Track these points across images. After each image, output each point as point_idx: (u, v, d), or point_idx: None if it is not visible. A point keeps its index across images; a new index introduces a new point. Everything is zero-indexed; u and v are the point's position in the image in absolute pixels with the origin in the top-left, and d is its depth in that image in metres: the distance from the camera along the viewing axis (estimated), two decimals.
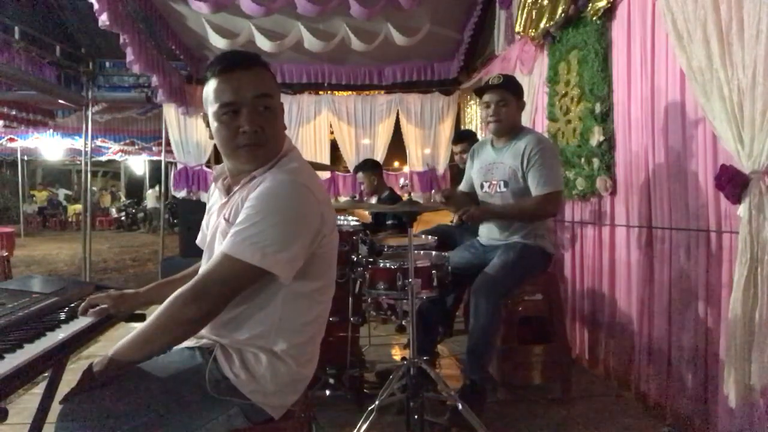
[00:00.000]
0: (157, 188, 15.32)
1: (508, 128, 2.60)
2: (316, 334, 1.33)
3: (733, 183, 1.77)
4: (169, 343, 1.17)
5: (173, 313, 1.11)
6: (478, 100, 5.52)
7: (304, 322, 1.26)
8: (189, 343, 1.27)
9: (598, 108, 2.89)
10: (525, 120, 3.44)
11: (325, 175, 6.27)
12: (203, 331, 1.26)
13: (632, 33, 2.65)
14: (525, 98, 2.73)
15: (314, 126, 6.20)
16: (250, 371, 1.20)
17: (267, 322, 1.22)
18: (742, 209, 1.76)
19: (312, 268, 1.23)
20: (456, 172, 6.48)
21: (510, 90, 2.58)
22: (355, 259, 2.53)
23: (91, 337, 1.48)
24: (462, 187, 2.94)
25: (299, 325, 1.25)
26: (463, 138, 4.01)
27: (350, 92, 6.29)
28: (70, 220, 17.80)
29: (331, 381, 2.55)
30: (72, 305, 1.53)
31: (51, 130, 10.15)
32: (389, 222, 4.01)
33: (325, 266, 1.28)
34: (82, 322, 1.39)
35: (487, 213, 2.63)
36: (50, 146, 12.57)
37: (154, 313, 1.13)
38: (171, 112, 5.99)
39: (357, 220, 2.82)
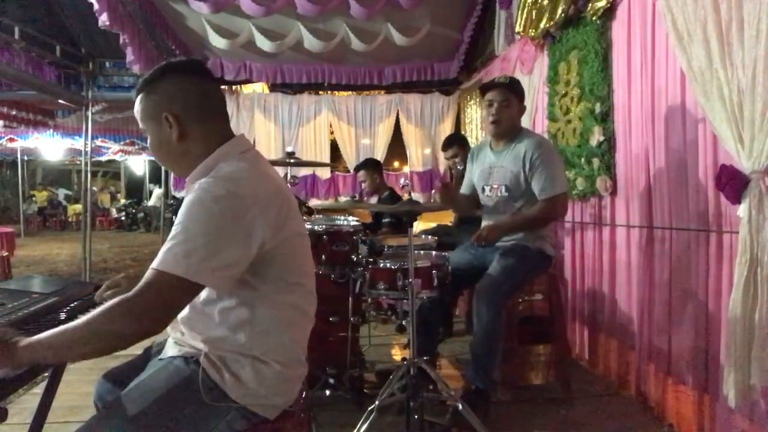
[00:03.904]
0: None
1: (508, 130, 2.60)
2: (297, 335, 1.31)
3: (733, 183, 1.77)
4: (96, 353, 1.08)
5: (111, 325, 1.05)
6: (478, 100, 5.55)
7: (278, 324, 1.24)
8: (172, 352, 1.28)
9: (598, 108, 2.89)
10: (525, 120, 3.43)
11: (325, 174, 6.29)
12: (186, 339, 1.27)
13: (632, 33, 2.65)
14: (525, 99, 2.72)
15: (314, 126, 6.20)
16: (235, 376, 1.20)
17: (237, 329, 1.22)
18: (742, 209, 1.76)
19: (269, 272, 1.21)
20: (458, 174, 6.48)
21: (514, 92, 2.58)
22: (355, 259, 2.53)
23: None
24: (463, 189, 2.91)
25: (273, 328, 1.23)
26: (451, 143, 3.96)
27: (350, 92, 6.29)
28: (70, 220, 17.77)
29: (331, 381, 2.54)
30: (72, 305, 1.53)
31: (51, 130, 10.15)
32: (386, 221, 4.01)
33: (284, 268, 1.23)
34: None
35: (498, 230, 2.51)
36: (50, 146, 12.56)
37: (88, 316, 1.07)
38: None
39: (357, 220, 2.82)
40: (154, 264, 1.10)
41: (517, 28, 3.81)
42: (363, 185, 4.40)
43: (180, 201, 6.80)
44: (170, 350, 1.30)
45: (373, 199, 4.40)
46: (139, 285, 1.09)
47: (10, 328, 1.17)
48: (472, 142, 5.06)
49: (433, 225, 4.00)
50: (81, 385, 2.74)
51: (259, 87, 6.47)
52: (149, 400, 1.17)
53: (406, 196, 2.42)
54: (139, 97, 1.30)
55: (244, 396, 1.20)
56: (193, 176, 1.26)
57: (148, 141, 1.32)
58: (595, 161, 2.93)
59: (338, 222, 2.77)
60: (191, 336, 1.26)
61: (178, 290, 1.09)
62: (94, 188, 17.52)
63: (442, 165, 6.23)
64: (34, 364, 1.12)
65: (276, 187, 1.25)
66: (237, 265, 1.14)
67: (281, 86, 6.09)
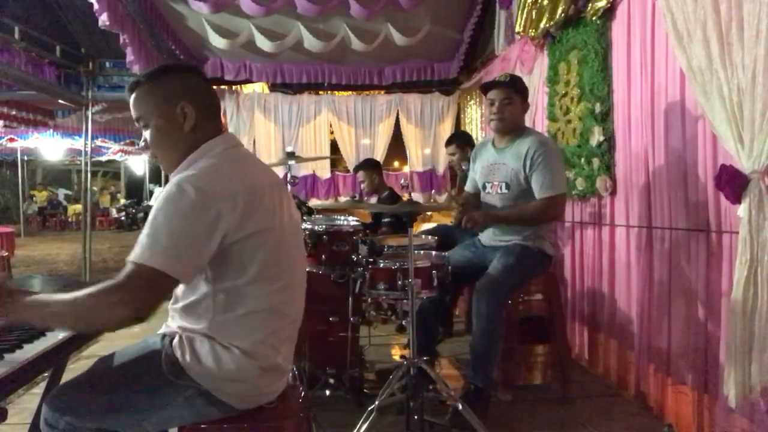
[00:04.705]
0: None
1: (511, 128, 2.59)
2: (268, 327, 1.30)
3: (733, 183, 1.77)
4: (86, 330, 1.27)
5: (100, 311, 1.13)
6: (478, 100, 5.55)
7: (242, 315, 1.26)
8: (162, 330, 1.37)
9: (598, 108, 2.89)
10: (525, 120, 3.43)
11: (325, 174, 6.29)
12: (171, 325, 1.35)
13: (632, 33, 2.65)
14: (528, 96, 2.71)
15: (314, 126, 6.20)
16: (195, 355, 1.25)
17: (202, 315, 1.27)
18: (742, 209, 1.76)
19: (234, 263, 1.24)
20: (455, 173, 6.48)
21: (516, 89, 2.58)
22: (355, 259, 2.53)
23: (91, 337, 1.49)
24: (467, 188, 2.92)
25: (237, 318, 1.26)
26: (451, 141, 3.96)
27: (350, 92, 6.29)
28: (70, 220, 17.77)
29: (331, 381, 2.55)
30: None
31: (51, 130, 10.16)
32: (385, 220, 4.01)
33: (248, 263, 1.25)
34: None
35: (489, 218, 2.57)
36: (50, 146, 12.58)
37: (84, 293, 1.13)
38: None
39: (357, 220, 2.82)
40: (130, 256, 1.15)
41: (517, 28, 3.81)
42: (362, 185, 4.41)
43: None
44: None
45: (373, 199, 4.40)
46: (120, 276, 1.13)
47: (20, 289, 1.26)
48: None
49: (433, 225, 4.00)
50: None
51: (259, 87, 6.47)
52: (116, 365, 1.27)
53: (405, 197, 2.42)
54: (145, 86, 1.31)
55: (202, 376, 1.24)
56: (176, 171, 1.30)
57: (151, 124, 1.31)
58: (595, 161, 2.93)
59: (338, 222, 2.76)
60: (173, 322, 1.34)
61: (151, 280, 1.13)
62: (94, 188, 17.52)
63: (442, 165, 6.24)
64: (25, 322, 1.26)
65: (246, 183, 1.26)
66: (198, 257, 1.19)
67: (281, 86, 6.09)
